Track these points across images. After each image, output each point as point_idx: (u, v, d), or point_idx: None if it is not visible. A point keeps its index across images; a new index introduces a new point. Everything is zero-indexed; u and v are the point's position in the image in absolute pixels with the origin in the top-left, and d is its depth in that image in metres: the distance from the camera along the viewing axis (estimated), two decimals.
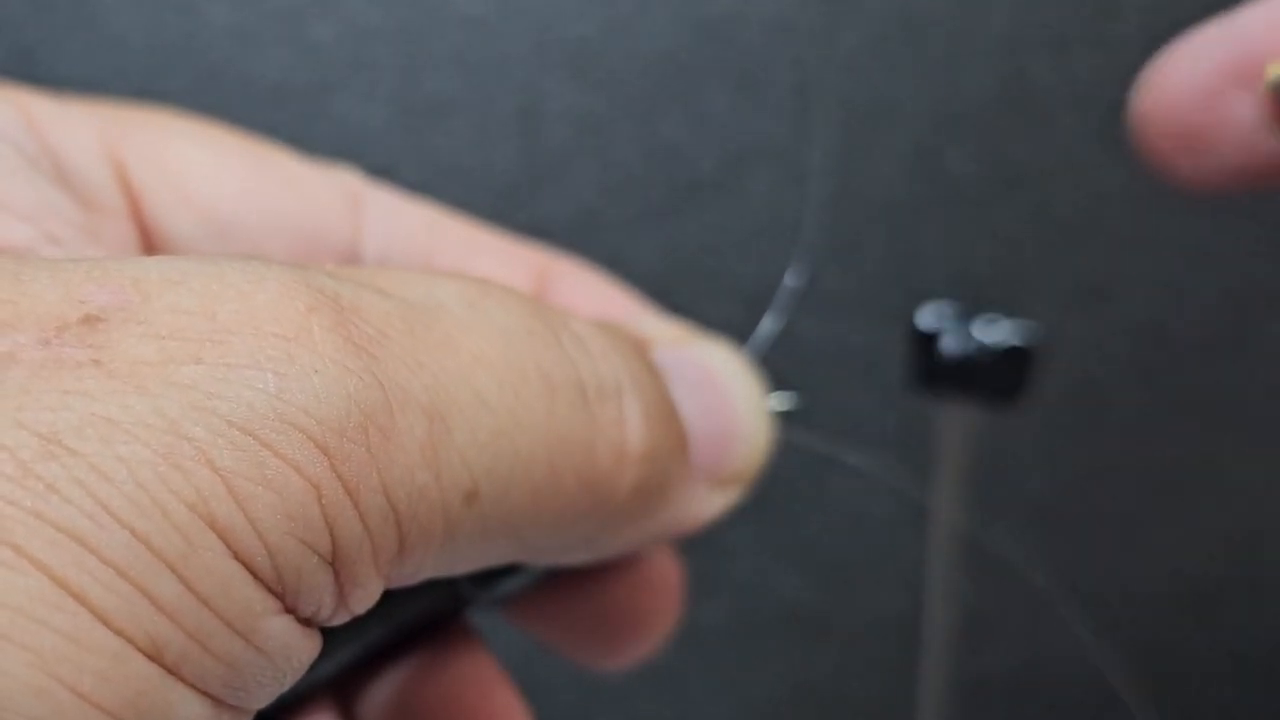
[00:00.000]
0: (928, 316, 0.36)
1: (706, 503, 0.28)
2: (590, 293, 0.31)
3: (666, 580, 0.31)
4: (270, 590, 0.19)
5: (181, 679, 0.18)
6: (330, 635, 0.22)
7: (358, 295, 0.21)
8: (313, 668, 0.22)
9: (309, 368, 0.19)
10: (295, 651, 0.20)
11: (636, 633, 0.31)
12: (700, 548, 0.41)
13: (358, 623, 0.22)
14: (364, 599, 0.21)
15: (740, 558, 0.45)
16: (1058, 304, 0.48)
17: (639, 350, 0.26)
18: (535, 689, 0.31)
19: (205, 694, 0.19)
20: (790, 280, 0.32)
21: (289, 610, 0.20)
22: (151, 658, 0.18)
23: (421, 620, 0.30)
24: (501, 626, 0.32)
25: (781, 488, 0.42)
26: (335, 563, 0.20)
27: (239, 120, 0.33)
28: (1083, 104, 0.46)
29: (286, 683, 0.20)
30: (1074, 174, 0.44)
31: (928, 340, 0.36)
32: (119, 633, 0.17)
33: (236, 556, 0.18)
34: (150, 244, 0.27)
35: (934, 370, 0.36)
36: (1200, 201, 0.47)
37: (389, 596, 0.22)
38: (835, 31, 0.44)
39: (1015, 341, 0.35)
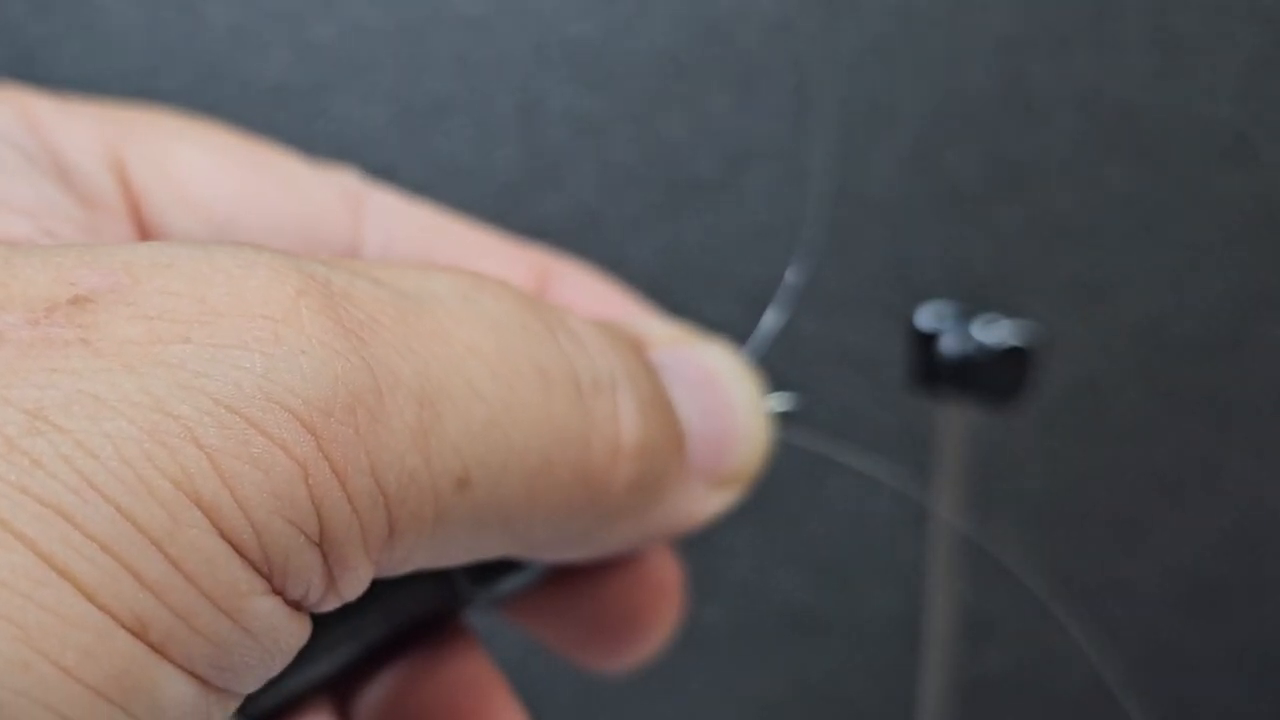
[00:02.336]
0: (927, 316, 0.36)
1: (705, 503, 0.28)
2: (590, 293, 0.31)
3: (667, 581, 0.31)
4: (257, 570, 0.19)
5: (167, 657, 0.18)
6: (328, 633, 0.22)
7: (350, 282, 0.21)
8: (310, 667, 0.22)
9: (296, 348, 0.19)
10: (283, 634, 0.20)
11: (637, 634, 0.31)
12: (700, 548, 0.41)
13: (355, 620, 0.22)
14: (354, 583, 0.21)
15: (740, 558, 0.45)
16: (1058, 304, 0.48)
17: (635, 348, 0.26)
18: (534, 689, 0.31)
19: (191, 673, 0.19)
20: (790, 280, 0.32)
21: (277, 591, 0.20)
22: (136, 634, 0.18)
23: (419, 619, 0.30)
24: (500, 626, 0.32)
25: (781, 488, 0.42)
26: (323, 544, 0.20)
27: (239, 120, 0.33)
28: (1083, 104, 0.46)
29: (275, 666, 0.20)
30: (1074, 174, 0.44)
31: (927, 340, 0.36)
32: (103, 608, 0.17)
33: (222, 535, 0.18)
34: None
35: (934, 370, 0.36)
36: (1199, 202, 0.47)
37: (386, 593, 0.22)
38: (835, 31, 0.44)
39: (1015, 341, 0.35)
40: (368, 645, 0.29)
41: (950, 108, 0.46)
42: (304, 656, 0.21)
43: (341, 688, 0.30)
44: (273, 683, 0.21)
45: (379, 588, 0.22)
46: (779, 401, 0.31)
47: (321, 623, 0.21)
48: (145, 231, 0.27)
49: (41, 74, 0.40)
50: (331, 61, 0.41)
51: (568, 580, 0.31)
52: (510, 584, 0.30)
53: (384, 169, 0.35)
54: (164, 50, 0.40)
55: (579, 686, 0.44)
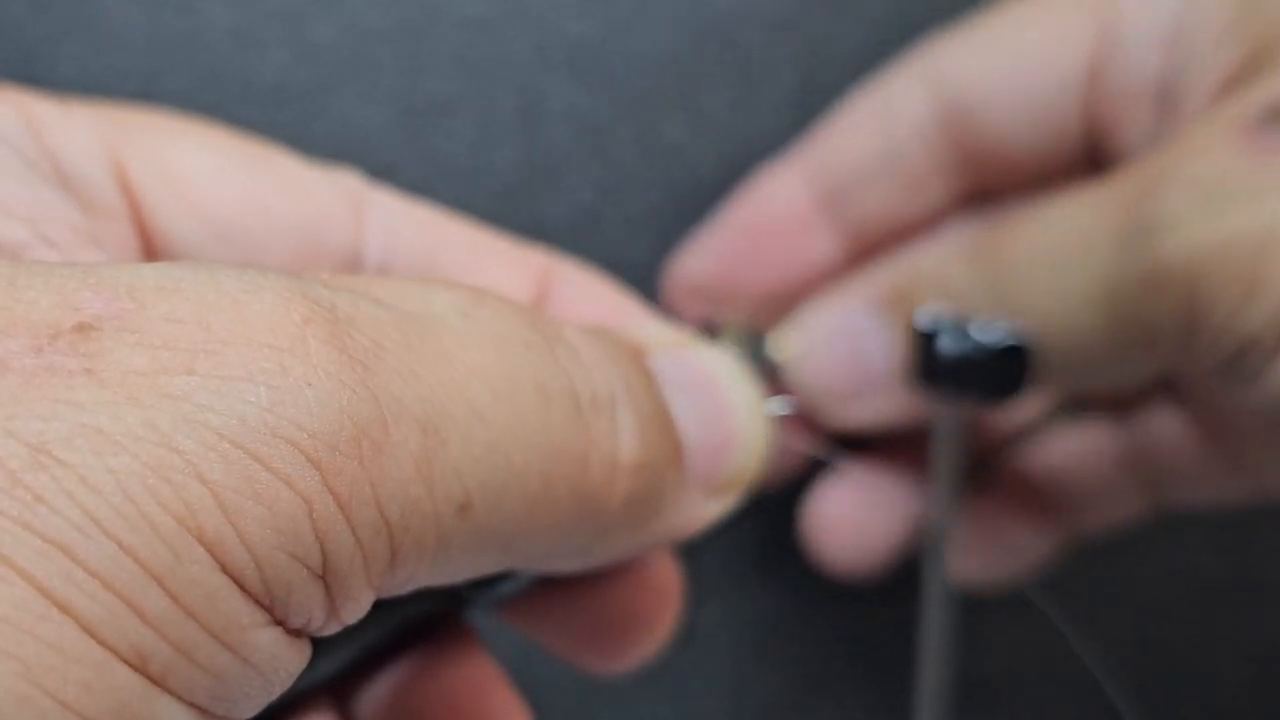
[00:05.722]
0: (925, 317, 0.36)
1: (702, 509, 0.28)
2: (590, 295, 0.31)
3: (665, 582, 0.31)
4: (259, 603, 0.19)
5: (167, 690, 0.18)
6: (326, 641, 0.22)
7: (354, 306, 0.21)
8: (310, 669, 0.23)
9: (302, 381, 0.19)
10: (283, 663, 0.20)
11: (635, 635, 0.31)
12: (700, 548, 0.41)
13: (353, 628, 0.22)
14: (355, 610, 0.21)
15: (740, 558, 0.45)
16: None
17: (634, 358, 0.27)
18: (534, 688, 0.31)
19: (191, 705, 0.19)
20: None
21: (278, 622, 0.20)
22: (136, 669, 0.18)
23: (418, 623, 0.30)
24: (500, 626, 0.33)
25: (782, 488, 0.42)
26: (326, 576, 0.20)
27: (239, 120, 0.33)
28: None
29: (275, 692, 0.21)
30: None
31: (926, 340, 0.36)
32: (103, 643, 0.18)
33: (224, 570, 0.19)
34: (151, 247, 0.28)
35: (932, 370, 0.36)
36: None
37: (385, 601, 0.22)
38: (835, 31, 0.44)
39: (1013, 341, 0.35)
40: (366, 649, 0.29)
41: None
42: None
43: (341, 688, 0.30)
44: None
45: (378, 598, 0.22)
46: (777, 405, 0.31)
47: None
48: (146, 236, 0.27)
49: (41, 74, 0.40)
50: (331, 61, 0.41)
51: (566, 583, 0.31)
52: (508, 588, 0.30)
53: (384, 170, 0.35)
54: (164, 51, 0.40)
55: (579, 685, 0.44)
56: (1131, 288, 0.32)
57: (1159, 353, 0.33)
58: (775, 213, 0.40)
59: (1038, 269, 0.34)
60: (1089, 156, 0.40)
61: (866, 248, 0.41)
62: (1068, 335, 0.34)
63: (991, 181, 0.40)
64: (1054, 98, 0.38)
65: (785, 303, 0.40)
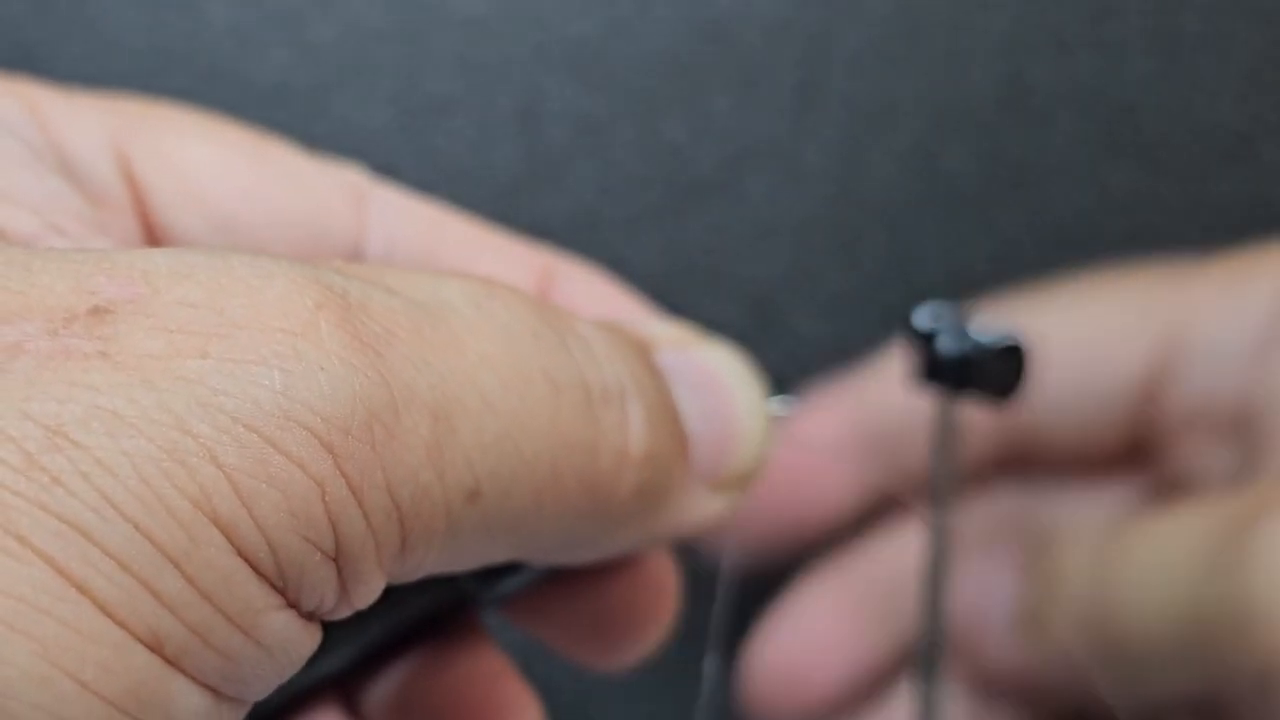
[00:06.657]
0: (924, 316, 0.36)
1: (706, 505, 0.28)
2: (592, 294, 0.31)
3: (662, 580, 0.31)
4: (272, 586, 0.19)
5: (182, 670, 0.18)
6: (333, 632, 0.22)
7: (366, 293, 0.21)
8: (317, 664, 0.23)
9: (315, 365, 0.19)
10: (295, 645, 0.20)
11: (633, 632, 0.31)
12: (700, 548, 0.41)
13: (360, 620, 0.23)
14: (366, 594, 0.21)
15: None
16: None
17: (642, 352, 0.27)
18: (535, 687, 0.31)
19: (205, 685, 0.19)
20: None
21: (290, 605, 0.20)
22: (152, 649, 0.18)
23: (424, 619, 0.30)
24: (499, 626, 0.33)
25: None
26: (338, 559, 0.20)
27: (239, 120, 0.33)
28: (1083, 104, 0.46)
29: (285, 674, 0.21)
30: (1074, 174, 0.44)
31: (925, 340, 0.36)
32: (121, 624, 0.18)
33: (239, 552, 0.19)
34: (154, 239, 0.28)
35: (932, 369, 0.36)
36: (1199, 202, 0.47)
37: (391, 594, 0.22)
38: (835, 31, 0.44)
39: (1011, 340, 0.35)
40: (374, 643, 0.29)
41: (950, 108, 0.46)
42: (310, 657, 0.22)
43: (349, 682, 0.30)
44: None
45: (385, 590, 0.22)
46: (780, 404, 0.31)
47: (327, 624, 0.22)
48: (150, 227, 0.28)
49: (41, 74, 0.40)
50: (331, 61, 0.41)
51: (567, 580, 0.31)
52: (513, 583, 0.30)
53: (384, 169, 0.35)
54: (164, 50, 0.40)
55: (581, 683, 0.44)
56: (1213, 616, 0.32)
57: (1228, 688, 0.33)
58: (817, 447, 0.40)
59: (1143, 573, 0.35)
60: (1133, 448, 0.40)
61: (885, 500, 0.41)
62: (1142, 640, 0.35)
63: (1030, 454, 0.41)
64: (1102, 401, 0.39)
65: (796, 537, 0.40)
